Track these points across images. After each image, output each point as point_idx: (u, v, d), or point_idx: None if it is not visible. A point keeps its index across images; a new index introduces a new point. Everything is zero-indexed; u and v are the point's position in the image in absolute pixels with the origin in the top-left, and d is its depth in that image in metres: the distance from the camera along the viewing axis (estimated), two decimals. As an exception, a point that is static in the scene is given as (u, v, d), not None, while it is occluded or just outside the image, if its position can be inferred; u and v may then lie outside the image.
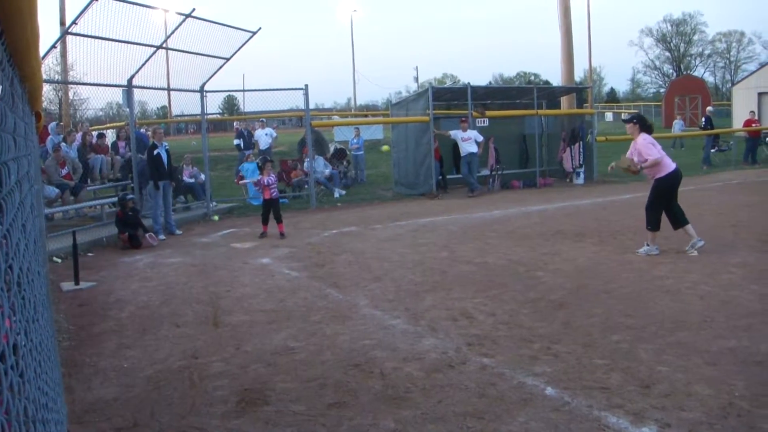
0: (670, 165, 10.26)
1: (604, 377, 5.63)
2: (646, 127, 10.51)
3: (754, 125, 28.42)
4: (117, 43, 13.79)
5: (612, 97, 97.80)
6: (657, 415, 4.84)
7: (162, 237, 13.50)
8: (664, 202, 10.35)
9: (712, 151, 27.25)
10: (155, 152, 13.62)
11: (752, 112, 31.77)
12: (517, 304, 7.96)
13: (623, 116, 25.88)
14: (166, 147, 14.22)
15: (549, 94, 25.01)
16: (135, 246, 12.63)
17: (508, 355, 6.24)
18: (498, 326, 7.13)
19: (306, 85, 17.78)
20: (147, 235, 13.03)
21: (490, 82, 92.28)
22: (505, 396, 5.33)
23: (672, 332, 6.70)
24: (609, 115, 66.62)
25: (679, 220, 10.37)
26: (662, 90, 77.56)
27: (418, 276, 9.58)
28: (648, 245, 10.47)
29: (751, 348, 6.17)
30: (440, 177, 20.09)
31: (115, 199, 16.50)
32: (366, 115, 57.62)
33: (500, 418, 4.93)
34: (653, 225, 10.39)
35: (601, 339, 6.61)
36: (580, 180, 22.02)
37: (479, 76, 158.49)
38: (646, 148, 10.19)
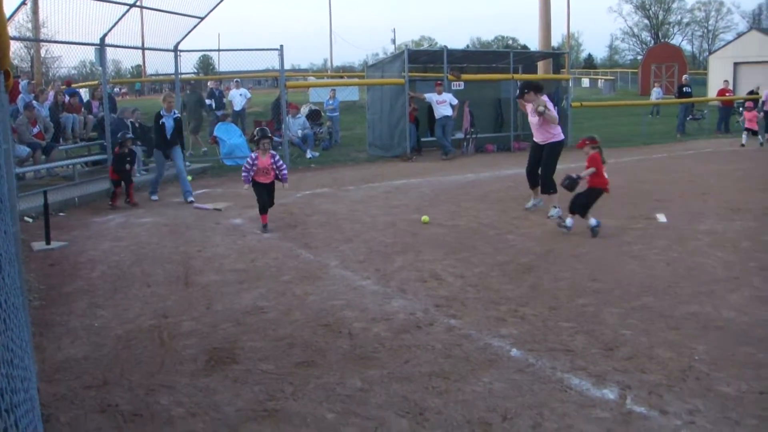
0: (561, 131, 11.12)
1: (568, 340, 5.73)
2: (540, 90, 11.05)
3: (727, 95, 28.69)
4: (90, 0, 13.58)
5: (589, 63, 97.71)
6: (618, 377, 4.95)
7: (155, 197, 13.40)
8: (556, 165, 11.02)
9: (687, 119, 27.43)
10: (160, 122, 13.23)
11: (726, 81, 32.03)
12: (486, 266, 8.05)
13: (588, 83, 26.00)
14: (176, 116, 13.61)
15: (526, 59, 24.97)
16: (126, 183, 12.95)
17: (476, 317, 6.33)
18: (466, 288, 7.21)
19: (281, 46, 17.62)
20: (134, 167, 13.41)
21: (467, 46, 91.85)
22: (471, 357, 5.41)
23: (637, 297, 6.82)
24: (585, 81, 66.64)
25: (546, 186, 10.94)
26: (639, 57, 77.53)
27: (390, 237, 9.63)
28: (557, 207, 10.62)
29: (713, 313, 6.31)
30: (415, 140, 20.07)
31: (89, 158, 16.42)
32: (342, 77, 57.30)
33: (465, 378, 5.01)
34: (555, 188, 10.71)
35: (568, 302, 6.71)
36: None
37: (457, 40, 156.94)
38: (552, 109, 10.89)
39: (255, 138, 10.65)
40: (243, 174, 10.46)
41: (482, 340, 5.76)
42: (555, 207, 10.67)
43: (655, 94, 36.68)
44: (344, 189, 14.10)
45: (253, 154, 10.51)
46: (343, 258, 8.60)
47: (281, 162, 10.56)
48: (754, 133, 22.31)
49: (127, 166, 12.87)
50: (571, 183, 9.53)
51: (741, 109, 29.53)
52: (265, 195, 10.36)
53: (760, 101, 24.39)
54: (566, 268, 7.91)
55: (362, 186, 14.39)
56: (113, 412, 4.64)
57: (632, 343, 5.62)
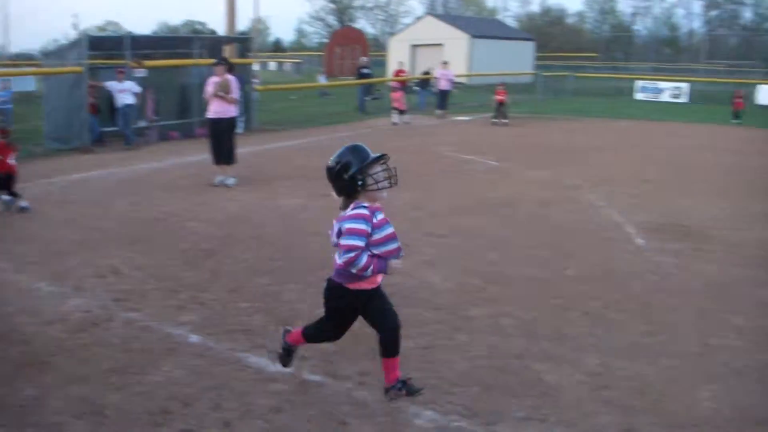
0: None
1: (247, 320, 5.92)
2: (231, 68, 12.51)
3: (402, 75, 30.66)
4: None
5: (277, 47, 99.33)
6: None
7: None
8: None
9: (366, 99, 28.91)
10: None
11: (400, 62, 34.32)
12: (168, 255, 8.01)
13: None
14: None
15: (213, 44, 24.77)
16: None
17: (155, 308, 6.31)
18: (147, 280, 7.13)
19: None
20: None
21: (155, 31, 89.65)
22: (150, 348, 5.41)
23: (315, 272, 7.11)
24: (272, 65, 67.72)
25: (229, 157, 12.67)
26: (326, 40, 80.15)
27: (70, 234, 9.18)
28: (234, 177, 12.62)
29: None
30: (96, 130, 19.20)
31: None
32: (17, 65, 53.40)
33: (144, 370, 5.01)
34: (235, 159, 12.78)
35: (248, 283, 6.91)
36: (239, 129, 22.25)
37: (145, 25, 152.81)
38: (236, 87, 12.37)
39: (354, 174, 4.46)
40: (353, 256, 4.22)
41: (162, 330, 5.76)
42: (233, 177, 12.55)
43: (321, 79, 39.93)
44: (18, 186, 13.20)
45: (363, 208, 4.39)
46: (15, 260, 8.06)
47: None
48: (401, 112, 24.50)
49: None
50: None
51: (415, 88, 31.86)
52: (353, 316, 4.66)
53: (434, 80, 26.51)
54: (247, 250, 8.10)
55: (38, 182, 13.43)
56: None
57: (308, 316, 5.85)
